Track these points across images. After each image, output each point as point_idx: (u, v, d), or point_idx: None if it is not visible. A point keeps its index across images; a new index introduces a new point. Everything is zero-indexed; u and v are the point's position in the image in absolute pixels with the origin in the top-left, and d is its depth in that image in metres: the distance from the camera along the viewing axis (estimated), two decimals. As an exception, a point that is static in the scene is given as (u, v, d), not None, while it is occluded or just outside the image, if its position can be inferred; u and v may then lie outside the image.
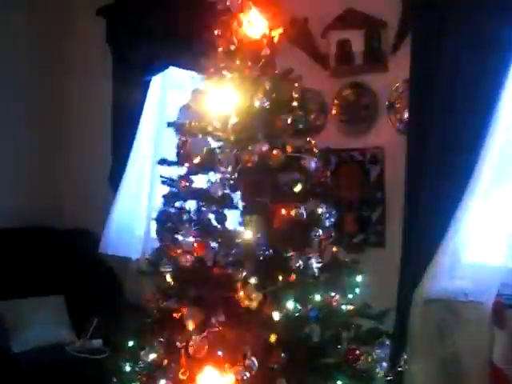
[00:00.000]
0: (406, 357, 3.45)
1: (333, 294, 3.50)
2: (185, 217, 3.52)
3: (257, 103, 3.38)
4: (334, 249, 3.61)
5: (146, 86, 5.69)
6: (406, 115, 4.28)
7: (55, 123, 6.53)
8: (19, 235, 5.88)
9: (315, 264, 3.37)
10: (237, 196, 3.49)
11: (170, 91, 5.72)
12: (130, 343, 3.62)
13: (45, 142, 6.45)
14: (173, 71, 5.56)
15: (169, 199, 3.64)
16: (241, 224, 3.48)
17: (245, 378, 3.11)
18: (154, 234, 3.92)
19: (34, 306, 5.40)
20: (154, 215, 3.80)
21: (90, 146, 6.35)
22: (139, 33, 5.54)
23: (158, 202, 3.91)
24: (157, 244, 3.78)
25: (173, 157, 3.70)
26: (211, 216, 3.49)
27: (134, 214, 5.84)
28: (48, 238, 6.05)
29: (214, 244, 3.47)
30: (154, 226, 3.85)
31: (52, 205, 6.42)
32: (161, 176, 3.71)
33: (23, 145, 6.27)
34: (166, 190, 3.72)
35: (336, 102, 4.64)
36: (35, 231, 6.02)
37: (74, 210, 6.41)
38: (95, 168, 6.23)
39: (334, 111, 4.66)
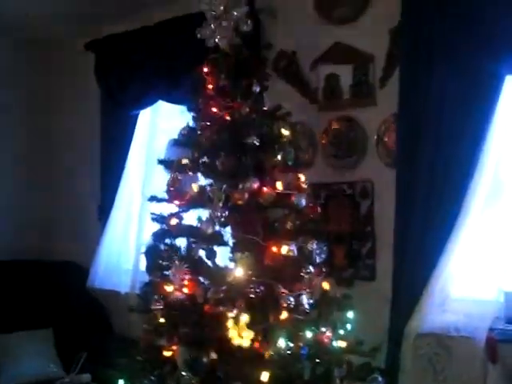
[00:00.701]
0: (398, 392, 3.45)
1: (324, 330, 3.49)
2: (175, 254, 3.51)
3: (247, 140, 3.39)
4: (325, 285, 3.60)
5: (134, 120, 5.71)
6: (394, 148, 4.27)
7: (44, 156, 6.58)
8: (8, 268, 5.85)
9: (306, 301, 3.37)
10: (227, 232, 3.50)
11: (159, 124, 5.72)
12: (121, 382, 3.60)
13: (34, 175, 6.47)
14: (162, 104, 5.55)
15: (159, 237, 3.64)
16: (231, 260, 3.48)
17: (237, 415, 3.10)
18: (143, 268, 3.91)
19: (22, 340, 5.37)
20: (143, 249, 3.80)
21: (80, 180, 6.36)
22: (127, 67, 5.58)
23: (147, 236, 3.91)
24: (146, 278, 3.78)
25: (162, 191, 3.71)
26: (201, 252, 3.49)
27: (122, 248, 5.82)
28: (36, 271, 6.03)
29: (204, 280, 3.47)
30: (143, 259, 3.86)
31: (41, 237, 6.42)
32: (151, 213, 3.71)
33: (13, 177, 6.28)
34: (155, 224, 3.72)
35: (325, 135, 4.63)
36: (24, 264, 6.01)
37: (63, 243, 6.40)
38: (84, 201, 6.24)
39: (322, 145, 4.65)
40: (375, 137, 4.42)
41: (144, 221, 5.42)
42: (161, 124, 5.72)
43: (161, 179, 4.01)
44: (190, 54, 4.57)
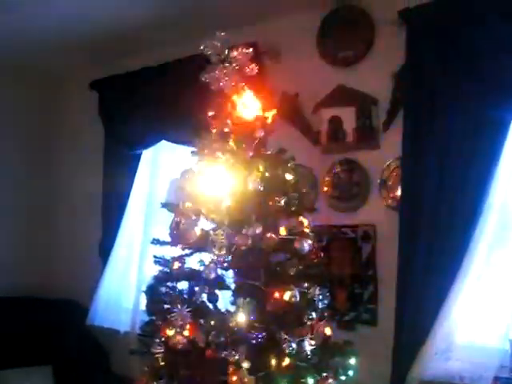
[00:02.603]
0: None
1: (325, 375, 3.46)
2: (177, 297, 3.50)
3: (250, 185, 3.39)
4: (327, 330, 3.58)
5: (137, 159, 5.72)
6: (398, 192, 4.27)
7: (46, 193, 6.58)
8: (8, 304, 5.82)
9: (308, 347, 3.35)
10: (229, 277, 3.49)
11: (161, 163, 5.73)
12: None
13: (35, 211, 6.48)
14: (165, 145, 5.56)
15: (161, 279, 3.62)
16: (233, 304, 3.47)
17: None
18: (143, 307, 3.89)
19: (21, 376, 5.34)
20: (144, 288, 3.79)
21: (81, 217, 6.37)
22: (131, 107, 5.60)
23: (148, 275, 3.89)
24: (146, 317, 3.76)
25: (164, 233, 3.70)
26: (203, 295, 3.47)
27: (123, 286, 5.79)
28: (36, 308, 5.99)
29: (205, 324, 3.45)
30: (143, 298, 3.84)
31: (41, 275, 6.39)
32: (154, 256, 3.69)
33: (13, 214, 6.27)
34: (156, 265, 3.71)
35: (327, 178, 4.64)
36: (24, 301, 5.97)
37: (63, 280, 6.37)
38: (85, 238, 6.23)
39: (325, 188, 4.65)
40: (378, 180, 4.42)
41: (145, 259, 5.42)
42: (163, 162, 5.73)
43: (162, 218, 4.00)
44: (194, 94, 4.58)
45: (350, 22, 4.60)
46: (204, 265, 3.40)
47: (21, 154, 6.38)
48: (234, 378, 3.18)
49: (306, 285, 3.47)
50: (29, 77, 6.34)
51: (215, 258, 3.36)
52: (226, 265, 3.38)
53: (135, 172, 5.71)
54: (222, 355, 3.27)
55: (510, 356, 3.72)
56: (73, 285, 6.19)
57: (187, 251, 3.58)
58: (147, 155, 5.77)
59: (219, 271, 3.41)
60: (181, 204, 3.56)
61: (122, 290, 5.79)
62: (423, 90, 4.04)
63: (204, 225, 3.53)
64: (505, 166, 3.79)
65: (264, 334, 3.27)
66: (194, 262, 3.57)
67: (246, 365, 3.20)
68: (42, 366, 5.53)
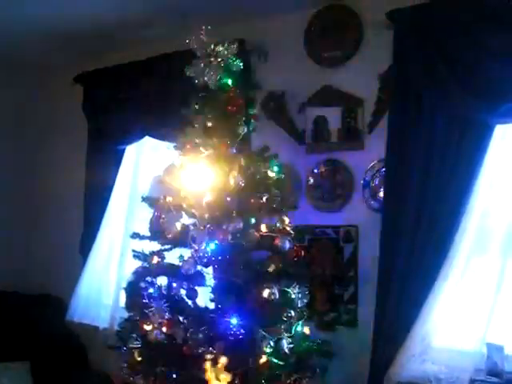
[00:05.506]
0: None
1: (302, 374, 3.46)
2: (156, 293, 3.48)
3: (232, 181, 3.37)
4: (306, 330, 3.57)
5: (120, 155, 5.68)
6: (381, 194, 4.26)
7: (28, 188, 6.51)
8: (-14, 299, 5.77)
9: (286, 345, 3.34)
10: (209, 272, 3.46)
11: (144, 159, 5.70)
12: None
13: (17, 206, 6.41)
14: (148, 140, 5.52)
15: (140, 274, 3.60)
16: (212, 300, 3.45)
17: None
18: (122, 304, 3.87)
19: (-1, 371, 5.28)
20: (124, 284, 3.76)
21: (62, 212, 6.31)
22: (115, 101, 5.57)
23: (128, 271, 3.87)
24: (125, 314, 3.74)
25: (145, 228, 3.68)
26: (182, 291, 3.46)
27: (103, 283, 5.75)
28: (15, 303, 5.92)
29: (184, 320, 3.43)
30: (123, 295, 3.81)
31: (21, 269, 6.32)
32: (133, 250, 3.67)
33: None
34: (136, 260, 3.69)
35: (311, 178, 4.62)
36: (3, 295, 5.90)
37: (42, 276, 6.31)
38: (66, 234, 6.17)
39: (308, 187, 4.64)
40: (362, 181, 4.41)
41: (125, 256, 5.37)
42: (146, 158, 5.69)
43: (144, 214, 3.98)
44: (178, 90, 4.57)
45: (338, 22, 4.58)
46: (183, 260, 3.38)
47: (2, 148, 6.34)
48: (211, 375, 3.16)
49: (285, 283, 3.46)
50: (15, 70, 6.28)
51: (195, 253, 3.34)
52: (205, 260, 3.35)
53: (118, 167, 5.67)
54: (200, 351, 3.25)
55: (486, 359, 3.72)
56: (53, 280, 6.15)
57: (166, 246, 3.57)
58: (131, 151, 5.72)
59: (199, 267, 3.39)
60: (161, 198, 3.55)
61: (102, 287, 5.76)
62: (409, 92, 4.04)
63: (184, 220, 3.51)
64: (488, 170, 3.79)
65: (242, 331, 3.25)
66: (174, 258, 3.56)
67: (222, 361, 3.18)
68: (20, 362, 5.46)
